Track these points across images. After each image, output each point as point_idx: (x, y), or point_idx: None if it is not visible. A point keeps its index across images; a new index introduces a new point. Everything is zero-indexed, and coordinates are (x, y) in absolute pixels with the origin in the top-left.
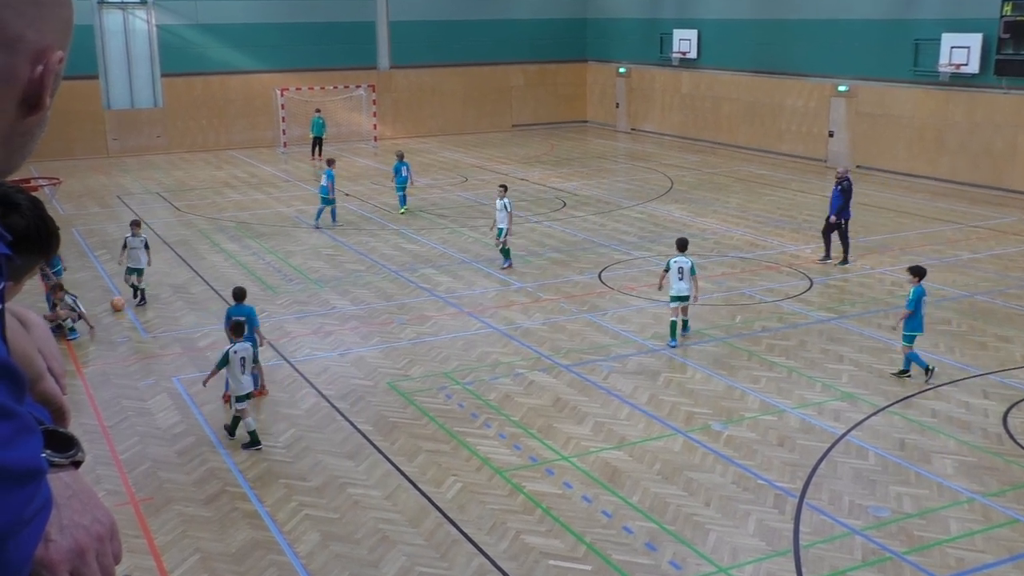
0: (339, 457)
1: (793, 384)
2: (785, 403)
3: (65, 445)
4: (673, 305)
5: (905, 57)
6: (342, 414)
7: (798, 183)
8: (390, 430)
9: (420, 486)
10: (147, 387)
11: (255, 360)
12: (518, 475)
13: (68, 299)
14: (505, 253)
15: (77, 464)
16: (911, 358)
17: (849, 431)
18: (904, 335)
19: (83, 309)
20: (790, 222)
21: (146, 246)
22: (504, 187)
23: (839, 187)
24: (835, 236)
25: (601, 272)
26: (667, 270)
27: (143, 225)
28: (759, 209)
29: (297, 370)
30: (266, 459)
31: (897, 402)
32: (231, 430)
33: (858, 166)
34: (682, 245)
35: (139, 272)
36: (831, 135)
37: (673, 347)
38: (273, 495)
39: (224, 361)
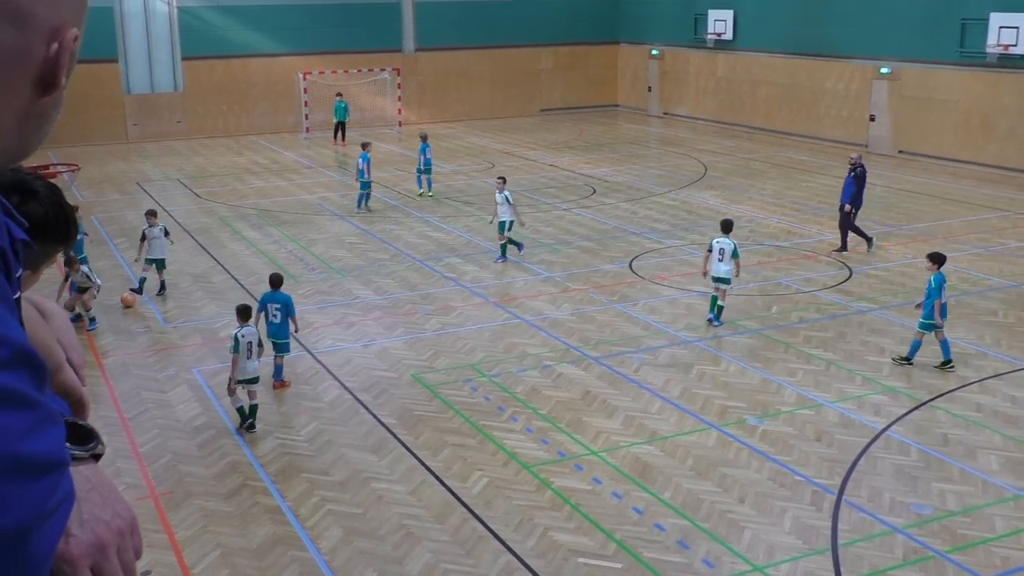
0: (362, 451)
1: (831, 377)
2: (823, 397)
3: (85, 438)
4: (713, 285)
5: (951, 38)
6: (365, 407)
7: (838, 169)
8: (414, 423)
9: (445, 481)
10: (167, 379)
11: (260, 344)
12: (546, 470)
13: (84, 269)
14: (503, 248)
15: (97, 457)
16: (916, 345)
17: (890, 426)
18: (923, 323)
19: (98, 280)
20: (829, 210)
21: (166, 233)
22: (503, 179)
23: (852, 174)
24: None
25: (632, 261)
26: (709, 251)
27: (159, 214)
28: (797, 196)
29: (319, 361)
30: (288, 453)
31: (940, 396)
32: (251, 422)
33: (900, 151)
34: (726, 227)
35: (160, 262)
36: (872, 119)
37: (709, 320)
38: (295, 489)
39: (236, 346)
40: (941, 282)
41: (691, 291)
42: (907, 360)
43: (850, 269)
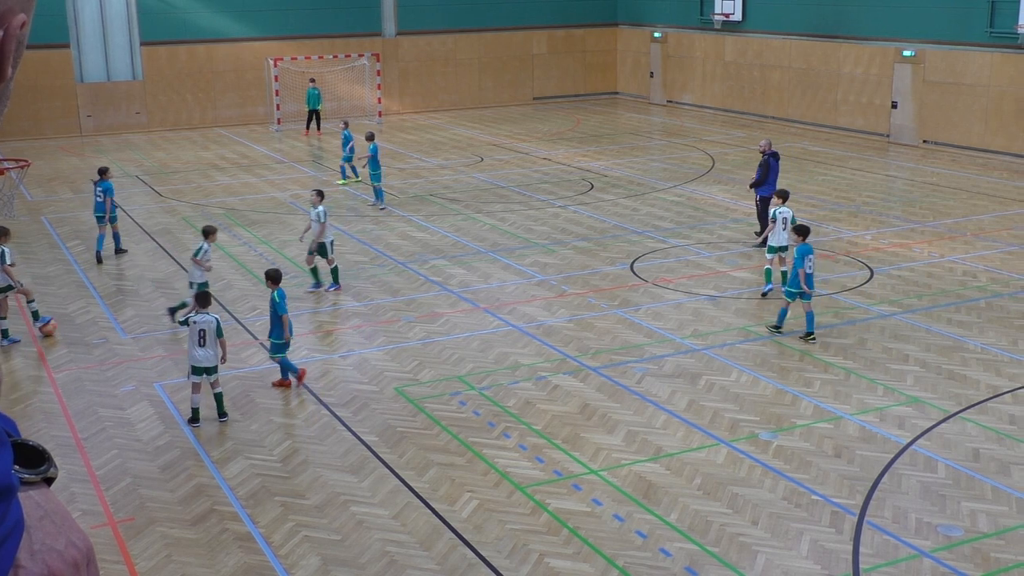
0: (341, 471)
1: (851, 387)
2: (842, 409)
3: (35, 460)
4: (770, 256)
5: (980, 17)
6: (344, 423)
7: (857, 161)
8: (398, 441)
9: (431, 504)
10: (126, 394)
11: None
12: (541, 491)
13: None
14: (314, 272)
15: (49, 481)
16: (783, 313)
17: (915, 440)
18: (787, 291)
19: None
20: (848, 205)
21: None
22: (320, 193)
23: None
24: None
25: (633, 263)
26: (774, 220)
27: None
28: (813, 191)
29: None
30: (260, 474)
31: (970, 407)
32: (219, 411)
33: (925, 141)
34: (784, 195)
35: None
36: (895, 106)
37: (768, 291)
38: (268, 515)
39: (185, 325)
40: (803, 252)
41: (698, 295)
42: (777, 328)
43: (871, 270)
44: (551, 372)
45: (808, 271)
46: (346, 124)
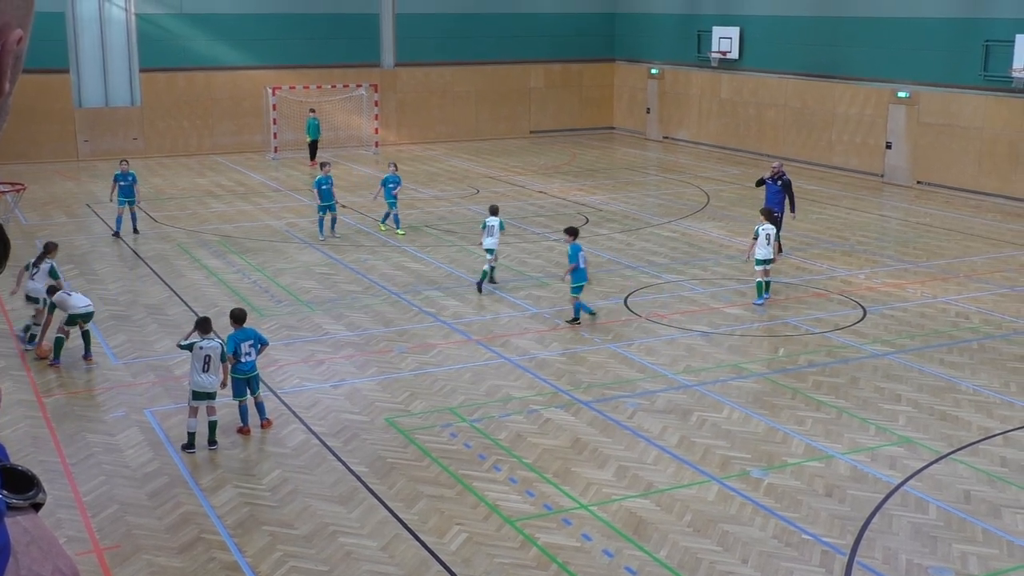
0: (330, 502)
1: (843, 426)
2: (834, 448)
3: (23, 485)
4: (760, 268)
5: (974, 60)
6: (334, 453)
7: (851, 200)
8: (387, 472)
9: (420, 536)
10: (116, 420)
11: (222, 359)
12: (531, 525)
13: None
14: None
15: (37, 507)
16: (578, 307)
17: (906, 480)
18: (572, 287)
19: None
20: (841, 244)
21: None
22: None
23: (779, 182)
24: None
25: (627, 297)
26: (756, 237)
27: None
28: (807, 229)
29: (284, 403)
30: (248, 503)
31: (961, 448)
32: (211, 438)
33: (919, 182)
34: (768, 214)
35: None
36: (889, 147)
37: (760, 304)
38: (255, 544)
39: (189, 349)
40: (577, 250)
41: (691, 331)
42: (575, 321)
43: (864, 309)
44: (543, 405)
45: (581, 266)
46: (395, 166)
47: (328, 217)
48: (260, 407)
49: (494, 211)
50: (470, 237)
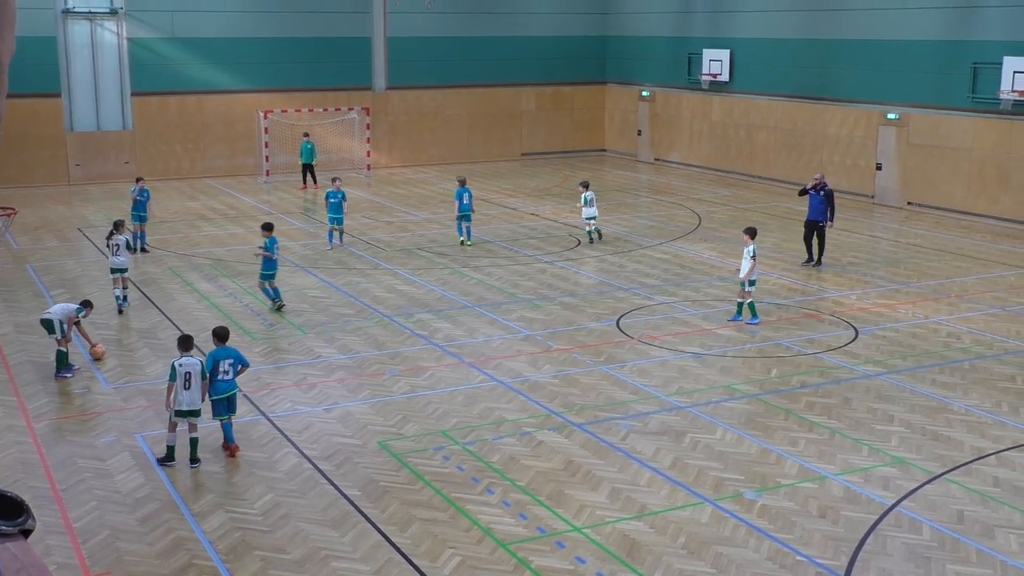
0: (322, 526)
1: (836, 447)
2: (827, 469)
3: (13, 511)
4: (751, 288)
5: (962, 82)
6: (326, 477)
7: (842, 221)
8: (380, 495)
9: (413, 560)
10: (106, 445)
11: (203, 377)
12: (524, 548)
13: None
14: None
15: (27, 533)
16: (265, 293)
17: (900, 501)
18: (261, 274)
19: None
20: (833, 264)
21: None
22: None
23: (822, 192)
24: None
25: (619, 319)
26: (755, 257)
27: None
28: (798, 250)
29: (276, 427)
30: (240, 528)
31: (954, 468)
32: (192, 456)
33: (909, 203)
34: (752, 233)
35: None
36: (879, 168)
37: (737, 320)
38: (247, 569)
39: (172, 375)
40: (274, 241)
41: (683, 352)
42: (279, 307)
43: (856, 329)
44: (536, 428)
45: (275, 256)
46: (463, 181)
47: (337, 231)
48: (228, 428)
49: (586, 185)
50: (461, 260)
